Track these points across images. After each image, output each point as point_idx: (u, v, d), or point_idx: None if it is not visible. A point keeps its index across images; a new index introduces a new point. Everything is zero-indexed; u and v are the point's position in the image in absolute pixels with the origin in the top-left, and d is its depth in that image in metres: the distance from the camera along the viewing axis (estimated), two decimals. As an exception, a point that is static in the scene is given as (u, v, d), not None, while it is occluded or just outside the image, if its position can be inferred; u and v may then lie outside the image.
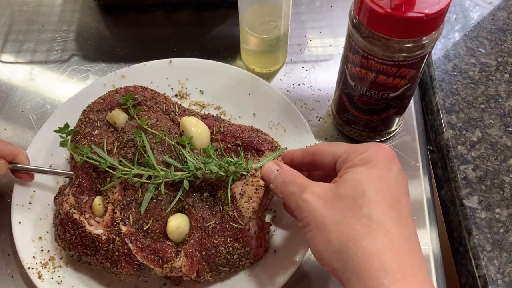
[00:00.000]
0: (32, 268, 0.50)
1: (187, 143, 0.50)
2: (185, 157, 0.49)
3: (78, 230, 0.48)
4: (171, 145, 0.50)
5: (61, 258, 0.52)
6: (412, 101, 0.64)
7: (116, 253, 0.47)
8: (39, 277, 0.49)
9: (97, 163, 0.50)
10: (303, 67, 0.69)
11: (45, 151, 0.57)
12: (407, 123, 0.64)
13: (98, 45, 0.72)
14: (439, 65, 0.67)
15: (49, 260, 0.51)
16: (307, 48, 0.71)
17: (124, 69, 0.62)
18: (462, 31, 0.70)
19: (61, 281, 0.50)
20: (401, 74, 0.50)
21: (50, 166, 0.56)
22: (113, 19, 0.75)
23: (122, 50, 0.71)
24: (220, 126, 0.53)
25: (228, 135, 0.52)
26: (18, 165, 0.53)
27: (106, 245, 0.47)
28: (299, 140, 0.58)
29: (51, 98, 0.66)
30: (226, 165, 0.47)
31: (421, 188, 0.59)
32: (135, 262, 0.47)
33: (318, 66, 0.69)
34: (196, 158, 0.49)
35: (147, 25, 0.74)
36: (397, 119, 0.59)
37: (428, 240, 0.55)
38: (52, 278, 0.50)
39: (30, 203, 0.54)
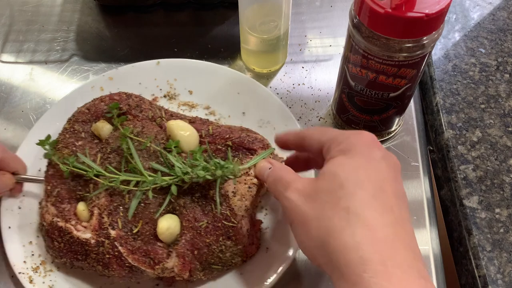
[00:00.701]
0: (23, 273, 0.50)
1: (174, 147, 0.50)
2: (172, 162, 0.49)
3: (65, 237, 0.48)
4: (157, 151, 0.50)
5: (52, 262, 0.51)
6: (412, 101, 0.64)
7: (107, 256, 0.47)
8: (30, 281, 0.49)
9: (84, 172, 0.49)
10: (303, 67, 0.69)
11: (34, 155, 0.56)
12: (407, 123, 0.64)
13: (98, 45, 0.72)
14: (439, 65, 0.67)
15: (40, 264, 0.51)
16: (307, 48, 0.71)
17: (112, 71, 0.62)
18: (462, 31, 0.70)
19: (52, 285, 0.50)
20: (401, 74, 0.50)
21: (40, 170, 0.56)
22: (113, 19, 0.75)
23: (122, 50, 0.71)
24: (209, 129, 0.53)
25: (217, 137, 0.52)
26: (23, 176, 0.53)
27: (96, 248, 0.47)
28: None
29: (51, 98, 0.66)
30: (213, 169, 0.47)
31: (421, 188, 0.59)
32: (126, 264, 0.47)
33: (318, 66, 0.69)
34: (183, 162, 0.49)
35: (147, 25, 0.74)
36: (397, 119, 0.59)
37: (428, 240, 0.55)
38: (43, 283, 0.49)
39: (20, 208, 0.54)
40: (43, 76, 0.69)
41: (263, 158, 0.49)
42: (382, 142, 0.62)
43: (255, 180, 0.48)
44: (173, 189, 0.47)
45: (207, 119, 0.56)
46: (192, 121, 0.54)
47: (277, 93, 0.66)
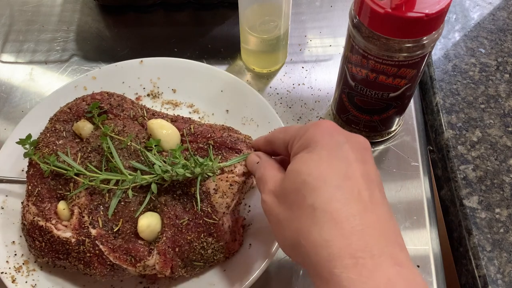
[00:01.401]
0: (6, 273, 0.50)
1: (155, 146, 0.50)
2: (152, 161, 0.49)
3: (46, 236, 0.48)
4: (137, 149, 0.50)
5: (35, 262, 0.51)
6: (412, 101, 0.64)
7: (88, 254, 0.47)
8: (13, 281, 0.49)
9: (64, 172, 0.49)
10: (303, 67, 0.69)
11: (17, 155, 0.56)
12: (407, 123, 0.64)
13: (98, 45, 0.72)
14: (439, 65, 0.67)
15: (23, 264, 0.51)
16: (307, 48, 0.71)
17: (95, 71, 0.62)
18: (462, 31, 0.70)
19: (35, 285, 0.50)
20: (401, 74, 0.50)
21: (23, 170, 0.56)
22: (113, 19, 0.75)
23: (122, 50, 0.71)
24: (190, 128, 0.53)
25: (199, 136, 0.52)
26: (4, 178, 0.53)
27: (77, 247, 0.47)
28: None
29: (51, 98, 0.66)
30: (193, 167, 0.47)
31: (421, 188, 0.59)
32: (108, 262, 0.47)
33: (318, 66, 0.69)
34: (163, 161, 0.49)
35: (147, 25, 0.74)
36: (397, 119, 0.59)
37: (428, 240, 0.55)
38: (26, 282, 0.49)
39: (3, 208, 0.54)
40: (43, 76, 0.69)
41: (240, 149, 0.50)
42: (382, 142, 0.62)
43: (237, 178, 0.48)
44: (153, 187, 0.48)
45: (189, 118, 0.56)
46: (174, 120, 0.54)
47: (277, 93, 0.66)
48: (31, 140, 0.52)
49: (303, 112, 0.64)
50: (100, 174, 0.49)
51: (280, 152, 0.45)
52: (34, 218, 0.49)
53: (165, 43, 0.72)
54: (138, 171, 0.49)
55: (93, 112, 0.53)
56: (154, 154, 0.49)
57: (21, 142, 0.51)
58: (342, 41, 0.71)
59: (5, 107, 0.66)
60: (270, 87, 0.67)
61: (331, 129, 0.39)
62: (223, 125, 0.55)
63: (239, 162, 0.49)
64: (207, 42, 0.72)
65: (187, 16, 0.75)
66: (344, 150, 0.38)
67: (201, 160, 0.48)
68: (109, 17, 0.75)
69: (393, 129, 0.61)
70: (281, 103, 0.65)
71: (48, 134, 0.53)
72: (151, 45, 0.72)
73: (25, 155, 0.51)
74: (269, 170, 0.43)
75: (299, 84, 0.67)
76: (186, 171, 0.47)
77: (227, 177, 0.48)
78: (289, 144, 0.42)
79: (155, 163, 0.48)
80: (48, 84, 0.68)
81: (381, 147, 0.62)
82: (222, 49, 0.71)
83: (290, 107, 0.65)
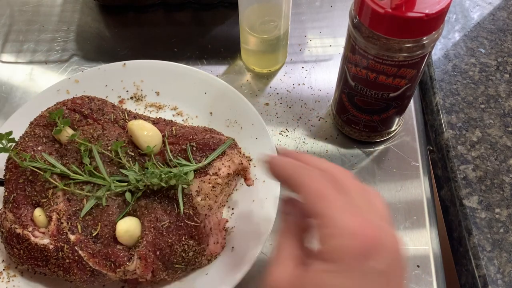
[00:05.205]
0: None
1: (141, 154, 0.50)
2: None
3: (24, 244, 0.48)
4: (114, 155, 0.50)
5: (16, 267, 0.51)
6: (412, 101, 0.65)
7: (67, 261, 0.47)
8: None
9: (42, 172, 0.49)
10: (303, 67, 0.69)
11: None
12: (407, 123, 0.64)
13: (98, 45, 0.72)
14: (439, 65, 0.67)
15: (3, 270, 0.51)
16: (307, 48, 0.71)
17: (78, 74, 0.62)
18: (462, 31, 0.70)
19: None
20: (401, 74, 0.50)
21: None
22: (113, 19, 0.75)
23: (122, 50, 0.71)
24: (172, 130, 0.52)
25: (181, 138, 0.52)
26: None
27: (55, 254, 0.47)
28: (255, 137, 0.57)
29: (51, 98, 0.66)
30: (167, 178, 0.47)
31: (421, 188, 0.59)
32: (88, 268, 0.47)
33: (318, 66, 0.69)
34: (142, 167, 0.49)
35: (147, 25, 0.74)
36: (397, 119, 0.59)
37: (428, 240, 0.55)
38: None
39: None
40: (43, 76, 0.69)
41: (223, 150, 0.50)
42: (382, 142, 0.62)
43: (219, 180, 0.48)
44: (128, 196, 0.48)
45: (171, 120, 0.56)
46: (155, 122, 0.54)
47: (277, 93, 0.66)
48: (10, 137, 0.51)
49: (303, 112, 0.64)
50: (83, 176, 0.48)
51: (301, 208, 0.37)
52: (11, 225, 0.49)
53: (165, 43, 0.72)
54: (110, 178, 0.49)
55: (56, 117, 0.52)
56: (128, 161, 0.49)
57: (0, 137, 0.51)
58: (342, 41, 0.71)
59: (5, 107, 0.66)
60: (270, 87, 0.67)
61: (362, 246, 0.31)
62: (205, 127, 0.55)
63: (223, 164, 0.49)
64: (207, 42, 0.72)
65: (187, 16, 0.75)
66: (372, 280, 0.32)
67: (175, 171, 0.48)
68: (109, 17, 0.75)
69: (393, 129, 0.61)
70: (281, 103, 0.65)
71: (27, 138, 0.52)
72: (151, 45, 0.72)
73: (0, 150, 0.51)
74: (282, 260, 0.35)
75: (299, 84, 0.67)
76: (161, 181, 0.47)
77: (209, 179, 0.48)
78: (315, 224, 0.34)
79: (128, 174, 0.48)
80: (48, 84, 0.67)
81: (381, 147, 0.62)
82: (222, 49, 0.71)
83: (290, 107, 0.65)
